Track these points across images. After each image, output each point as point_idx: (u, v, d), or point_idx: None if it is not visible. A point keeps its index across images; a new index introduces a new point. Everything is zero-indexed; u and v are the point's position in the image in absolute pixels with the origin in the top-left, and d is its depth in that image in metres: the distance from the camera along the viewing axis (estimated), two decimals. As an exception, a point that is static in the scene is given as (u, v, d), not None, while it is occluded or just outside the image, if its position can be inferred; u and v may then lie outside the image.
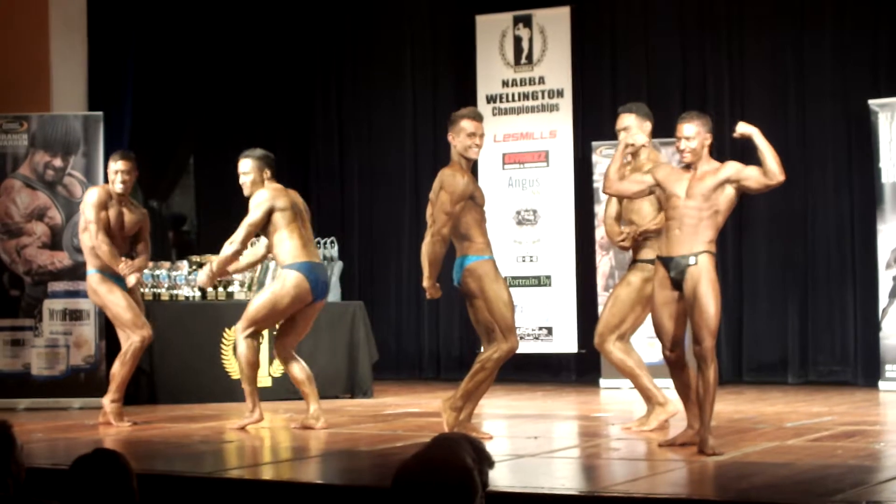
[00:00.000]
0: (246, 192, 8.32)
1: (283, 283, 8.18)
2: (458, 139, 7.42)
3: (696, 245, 6.56)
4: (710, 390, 6.49)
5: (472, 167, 7.68)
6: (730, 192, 6.67)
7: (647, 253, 7.74)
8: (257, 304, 8.26)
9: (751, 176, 6.67)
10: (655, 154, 7.94)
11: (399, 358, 13.33)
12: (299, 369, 8.32)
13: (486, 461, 3.03)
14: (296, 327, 8.39)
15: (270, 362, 10.56)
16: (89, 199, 8.64)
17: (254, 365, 8.24)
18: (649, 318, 7.46)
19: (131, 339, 8.51)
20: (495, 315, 7.37)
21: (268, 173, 8.30)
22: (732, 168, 6.71)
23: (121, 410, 8.52)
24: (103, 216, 8.57)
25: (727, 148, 11.88)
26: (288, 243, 8.16)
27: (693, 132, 6.68)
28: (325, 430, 8.09)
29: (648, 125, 7.95)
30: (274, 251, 8.28)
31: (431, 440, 3.08)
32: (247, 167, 8.30)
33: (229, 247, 8.21)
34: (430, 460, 2.91)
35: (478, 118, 7.51)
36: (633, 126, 7.90)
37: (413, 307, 13.32)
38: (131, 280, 8.55)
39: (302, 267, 8.16)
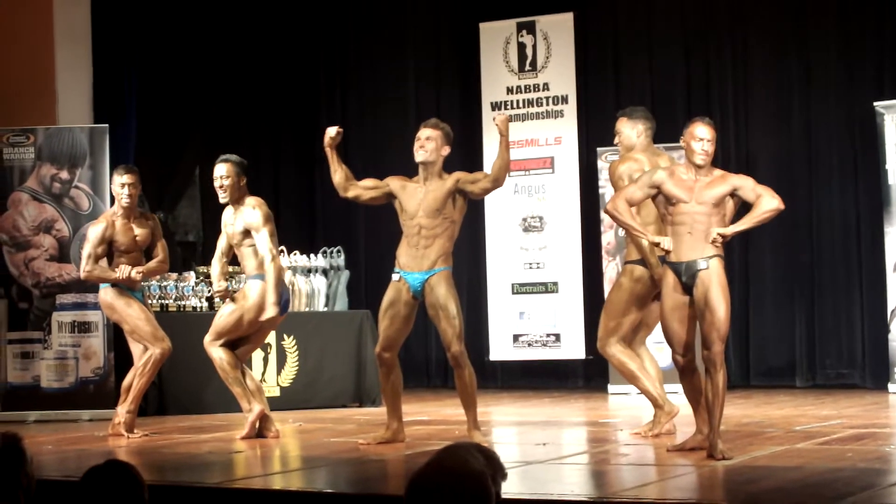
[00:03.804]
0: (223, 197, 8.25)
1: (250, 294, 8.20)
2: None
3: (706, 249, 6.57)
4: (720, 395, 6.49)
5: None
6: (730, 203, 6.71)
7: (637, 254, 7.76)
8: (225, 314, 8.26)
9: (757, 196, 6.67)
10: (650, 149, 7.97)
11: (406, 366, 13.14)
12: (249, 380, 8.33)
13: (499, 472, 3.03)
14: (251, 339, 8.41)
15: (279, 372, 10.58)
16: (91, 234, 8.69)
17: (235, 364, 8.23)
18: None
19: (151, 351, 8.51)
20: None
21: (244, 180, 8.29)
22: (742, 180, 6.71)
23: (134, 422, 8.54)
24: (101, 250, 8.61)
25: (732, 155, 11.91)
26: (259, 255, 8.19)
27: (710, 135, 6.70)
28: (274, 438, 8.18)
29: (641, 126, 7.97)
30: (243, 262, 8.29)
31: (442, 449, 3.08)
32: (225, 171, 8.24)
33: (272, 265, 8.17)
34: (443, 468, 2.91)
35: (424, 124, 7.75)
36: (624, 130, 7.96)
37: (420, 315, 13.30)
38: (132, 273, 8.53)
39: None
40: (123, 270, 8.54)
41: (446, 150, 7.67)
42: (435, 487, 2.85)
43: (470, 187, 7.62)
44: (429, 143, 7.61)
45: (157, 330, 8.57)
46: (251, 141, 13.49)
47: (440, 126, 7.70)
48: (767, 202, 6.64)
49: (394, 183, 7.79)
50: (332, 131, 7.79)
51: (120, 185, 8.69)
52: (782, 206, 6.70)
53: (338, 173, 7.81)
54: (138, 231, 8.69)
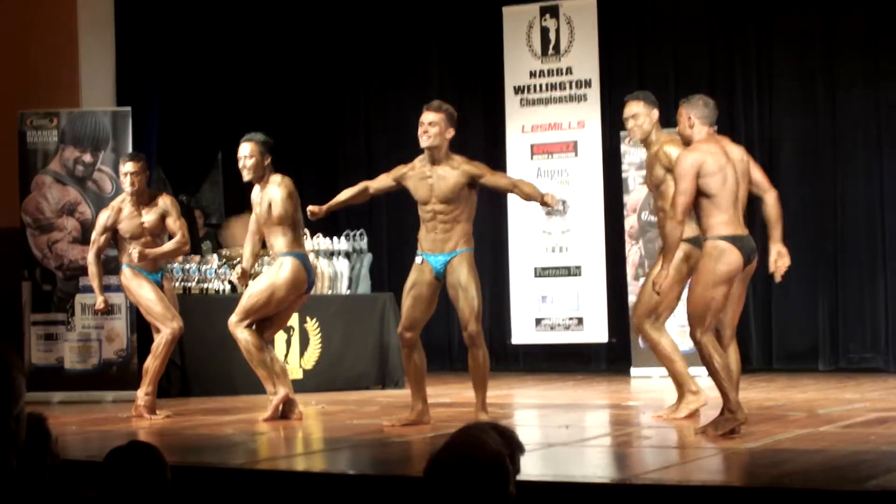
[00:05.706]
0: (246, 176, 8.23)
1: (280, 270, 8.19)
2: None
3: (695, 231, 6.64)
4: (713, 371, 6.51)
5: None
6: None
7: (685, 232, 7.69)
8: (254, 293, 8.21)
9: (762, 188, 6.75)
10: (663, 135, 7.92)
11: (429, 348, 13.17)
12: (275, 363, 8.33)
13: (516, 447, 3.04)
14: (275, 320, 8.40)
15: (301, 354, 10.60)
16: (97, 222, 8.91)
17: (260, 347, 8.21)
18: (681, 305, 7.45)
19: (162, 332, 8.57)
20: None
21: (268, 159, 8.27)
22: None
23: (154, 403, 8.58)
24: (104, 239, 8.77)
25: (755, 138, 11.85)
26: (291, 233, 8.19)
27: (679, 112, 6.75)
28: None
29: (656, 112, 7.91)
30: (271, 242, 8.28)
31: (458, 430, 3.09)
32: (248, 151, 8.22)
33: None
34: (461, 448, 2.92)
35: (427, 108, 7.77)
36: (641, 114, 7.87)
37: (442, 297, 13.31)
38: (133, 255, 8.59)
39: (300, 256, 8.20)
40: (99, 303, 8.80)
41: (451, 133, 7.69)
42: (452, 469, 2.86)
43: (491, 186, 7.84)
44: (432, 127, 7.64)
45: (168, 310, 8.60)
46: (274, 125, 13.43)
47: (443, 108, 7.71)
48: (772, 198, 6.70)
49: (400, 175, 7.87)
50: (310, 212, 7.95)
51: (123, 173, 8.77)
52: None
53: (353, 203, 8.09)
54: (146, 217, 8.72)
